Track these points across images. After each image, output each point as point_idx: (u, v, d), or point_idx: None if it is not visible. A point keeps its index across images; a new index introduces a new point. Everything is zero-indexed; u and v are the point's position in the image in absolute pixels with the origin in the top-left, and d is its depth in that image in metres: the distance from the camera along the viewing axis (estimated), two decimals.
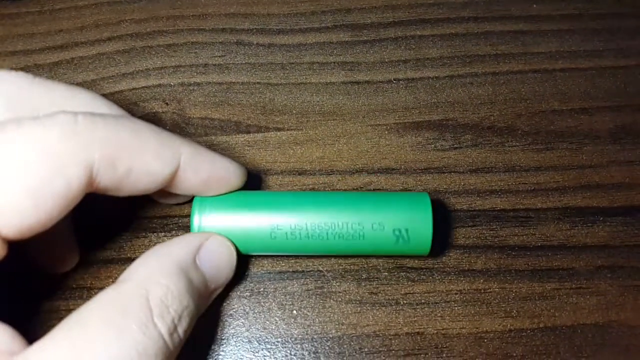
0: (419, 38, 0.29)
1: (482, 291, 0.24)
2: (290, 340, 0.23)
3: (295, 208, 0.21)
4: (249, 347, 0.23)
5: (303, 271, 0.24)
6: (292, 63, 0.29)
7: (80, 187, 0.18)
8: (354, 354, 0.23)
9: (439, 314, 0.23)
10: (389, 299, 0.23)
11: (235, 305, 0.23)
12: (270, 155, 0.26)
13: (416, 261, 0.24)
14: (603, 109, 0.27)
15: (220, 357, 0.23)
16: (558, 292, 0.24)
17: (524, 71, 0.28)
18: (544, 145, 0.27)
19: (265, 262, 0.24)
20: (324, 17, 0.30)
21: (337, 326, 0.23)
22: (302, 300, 0.23)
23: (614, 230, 0.25)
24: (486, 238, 0.25)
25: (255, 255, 0.24)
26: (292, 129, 0.27)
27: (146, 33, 0.30)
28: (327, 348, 0.23)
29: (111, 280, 0.24)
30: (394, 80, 0.28)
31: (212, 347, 0.23)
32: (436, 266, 0.24)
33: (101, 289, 0.23)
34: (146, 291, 0.18)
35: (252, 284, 0.24)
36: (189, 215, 0.25)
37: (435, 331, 0.23)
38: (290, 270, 0.24)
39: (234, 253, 0.22)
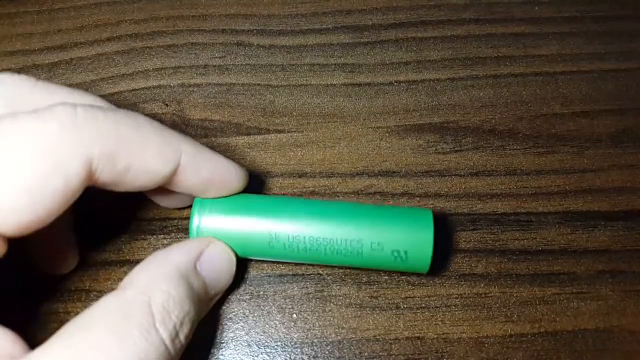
0: (420, 40, 0.29)
1: (483, 295, 0.24)
2: (289, 344, 0.23)
3: (294, 219, 0.21)
4: (248, 351, 0.23)
5: (303, 274, 0.24)
6: (293, 64, 0.29)
7: (79, 182, 0.17)
8: (354, 358, 0.22)
9: (440, 319, 0.23)
10: (389, 303, 0.23)
11: (235, 309, 0.23)
12: (270, 157, 0.26)
13: None
14: (604, 112, 0.27)
15: None
16: (559, 296, 0.24)
17: (526, 74, 0.28)
18: (545, 148, 0.26)
19: (265, 265, 0.24)
20: (325, 19, 0.30)
21: (337, 330, 0.23)
22: (302, 304, 0.23)
23: (615, 234, 0.25)
24: (487, 242, 0.24)
25: (254, 258, 0.24)
26: (292, 131, 0.27)
27: (146, 34, 0.29)
28: (326, 352, 0.23)
29: (110, 282, 0.24)
30: (395, 82, 0.28)
31: (212, 350, 0.23)
32: (436, 270, 0.24)
33: (100, 291, 0.23)
34: (148, 297, 0.18)
35: (251, 287, 0.24)
36: (188, 218, 0.25)
37: (436, 336, 0.23)
38: (290, 273, 0.24)
39: (234, 260, 0.22)
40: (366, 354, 0.23)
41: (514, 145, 0.26)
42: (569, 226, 0.25)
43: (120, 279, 0.23)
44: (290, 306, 0.23)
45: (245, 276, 0.24)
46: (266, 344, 0.23)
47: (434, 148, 0.26)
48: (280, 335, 0.23)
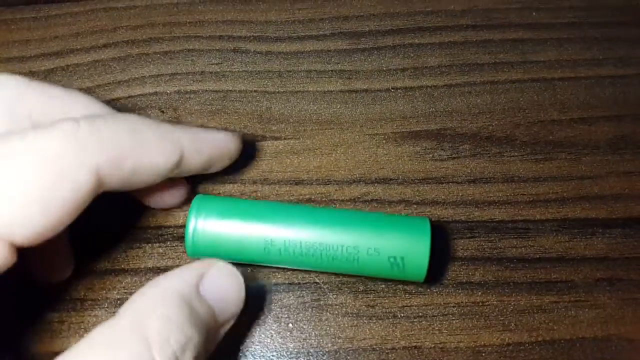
0: (417, 46, 0.29)
1: (480, 304, 0.23)
2: (285, 354, 0.23)
3: (290, 224, 0.21)
4: None
5: (299, 283, 0.24)
6: (290, 71, 0.29)
7: (88, 190, 0.18)
8: None
9: (437, 328, 0.23)
10: (386, 312, 0.23)
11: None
12: (266, 164, 0.26)
13: None
14: (602, 119, 0.27)
15: None
16: (556, 305, 0.23)
17: (523, 80, 0.28)
18: (542, 155, 0.26)
19: (261, 274, 0.24)
20: (322, 25, 0.30)
21: (333, 340, 0.23)
22: (298, 313, 0.23)
23: (613, 242, 0.25)
24: (484, 250, 0.24)
25: (250, 265, 0.24)
26: (289, 138, 0.27)
27: (142, 40, 0.29)
28: None
29: (104, 291, 0.24)
30: (392, 88, 0.28)
31: None
32: (433, 279, 0.24)
33: (94, 300, 0.23)
34: (144, 323, 0.17)
35: (247, 296, 0.23)
36: (183, 226, 0.24)
37: (433, 345, 0.23)
38: (286, 282, 0.24)
39: (242, 282, 0.20)
40: None
41: (512, 152, 0.26)
42: (567, 234, 0.25)
43: (115, 288, 0.24)
44: (286, 315, 0.23)
45: None
46: (262, 354, 0.23)
47: (431, 155, 0.26)
48: (276, 345, 0.23)
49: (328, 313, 0.23)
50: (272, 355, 0.23)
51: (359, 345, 0.23)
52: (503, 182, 0.26)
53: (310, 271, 0.24)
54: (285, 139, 0.27)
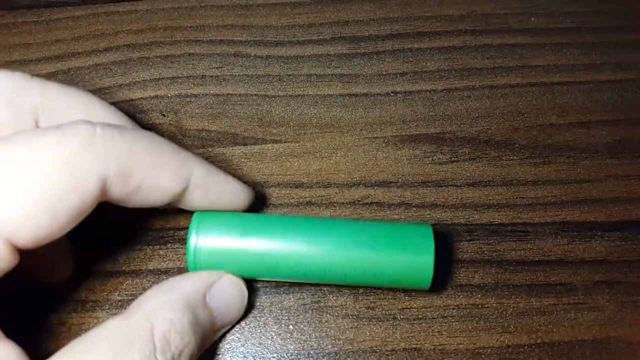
0: (417, 51, 0.29)
1: (480, 306, 0.23)
2: (286, 356, 0.23)
3: (294, 243, 0.21)
4: None
5: (299, 285, 0.24)
6: (290, 75, 0.29)
7: (94, 199, 0.18)
8: None
9: (437, 330, 0.23)
10: (386, 314, 0.23)
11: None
12: (267, 167, 0.26)
13: None
14: (601, 123, 0.27)
15: None
16: (556, 307, 0.24)
17: (522, 84, 0.28)
18: (541, 159, 0.26)
19: None
20: (322, 30, 0.30)
21: (333, 341, 0.23)
22: (298, 315, 0.23)
23: (612, 245, 0.25)
24: (484, 253, 0.24)
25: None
26: (289, 141, 0.27)
27: (143, 44, 0.30)
28: None
29: (105, 293, 0.24)
30: (392, 92, 0.28)
31: None
32: (434, 281, 0.24)
33: (95, 301, 0.23)
34: (151, 324, 0.18)
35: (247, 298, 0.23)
36: (185, 228, 0.25)
37: (433, 347, 0.23)
38: (287, 284, 0.24)
39: (246, 294, 0.22)
40: None
41: (511, 156, 0.27)
42: (566, 237, 0.25)
43: (117, 290, 0.24)
44: (286, 317, 0.23)
45: None
46: (262, 355, 0.23)
47: (430, 158, 0.26)
48: (276, 347, 0.23)
49: (328, 315, 0.23)
50: (272, 357, 0.23)
51: (359, 347, 0.23)
52: (502, 186, 0.26)
53: None
54: (285, 142, 0.27)
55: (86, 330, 0.23)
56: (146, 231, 0.25)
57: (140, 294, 0.20)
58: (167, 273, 0.24)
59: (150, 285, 0.24)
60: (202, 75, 0.29)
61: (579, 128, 0.27)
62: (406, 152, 0.27)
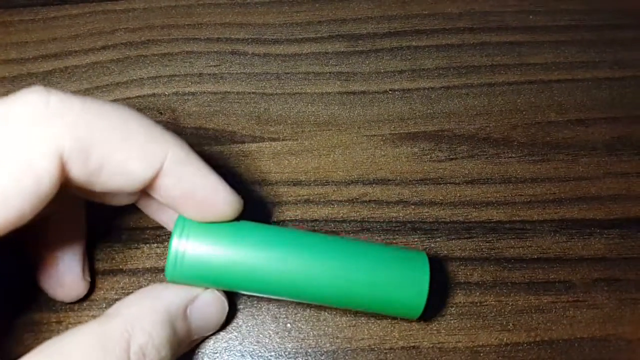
0: (415, 49, 0.29)
1: (478, 304, 0.23)
2: (284, 354, 0.23)
3: (284, 263, 0.19)
4: None
5: None
6: (288, 73, 0.29)
7: (51, 181, 0.16)
8: None
9: (435, 328, 0.23)
10: None
11: (229, 318, 0.23)
12: (265, 165, 0.26)
13: None
14: (599, 120, 0.27)
15: None
16: (554, 305, 0.23)
17: (520, 82, 0.28)
18: (540, 156, 0.26)
19: None
20: (320, 27, 0.30)
21: (331, 340, 0.23)
22: (296, 313, 0.23)
23: (611, 242, 0.25)
24: (482, 250, 0.24)
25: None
26: (287, 139, 0.27)
27: (141, 42, 0.29)
28: None
29: (102, 291, 0.23)
30: (390, 90, 0.28)
31: None
32: (431, 279, 0.24)
33: (92, 300, 0.23)
34: (129, 335, 0.17)
35: (245, 296, 0.23)
36: None
37: (431, 345, 0.23)
38: None
39: (226, 309, 0.21)
40: None
41: (509, 153, 0.26)
42: (565, 234, 0.25)
43: (113, 289, 0.23)
44: (284, 315, 0.23)
45: None
46: (260, 354, 0.23)
47: (428, 156, 0.26)
48: (274, 345, 0.23)
49: (326, 313, 0.23)
50: (271, 356, 0.23)
51: (357, 345, 0.23)
52: (501, 183, 0.26)
53: None
54: (283, 140, 0.27)
55: None
56: (143, 230, 0.25)
57: None
58: (165, 271, 0.24)
59: (147, 284, 0.23)
60: (200, 73, 0.29)
61: (578, 125, 0.27)
62: (404, 150, 0.27)
